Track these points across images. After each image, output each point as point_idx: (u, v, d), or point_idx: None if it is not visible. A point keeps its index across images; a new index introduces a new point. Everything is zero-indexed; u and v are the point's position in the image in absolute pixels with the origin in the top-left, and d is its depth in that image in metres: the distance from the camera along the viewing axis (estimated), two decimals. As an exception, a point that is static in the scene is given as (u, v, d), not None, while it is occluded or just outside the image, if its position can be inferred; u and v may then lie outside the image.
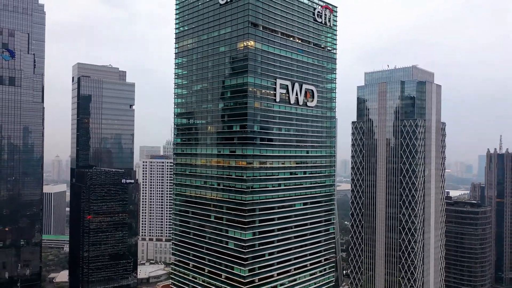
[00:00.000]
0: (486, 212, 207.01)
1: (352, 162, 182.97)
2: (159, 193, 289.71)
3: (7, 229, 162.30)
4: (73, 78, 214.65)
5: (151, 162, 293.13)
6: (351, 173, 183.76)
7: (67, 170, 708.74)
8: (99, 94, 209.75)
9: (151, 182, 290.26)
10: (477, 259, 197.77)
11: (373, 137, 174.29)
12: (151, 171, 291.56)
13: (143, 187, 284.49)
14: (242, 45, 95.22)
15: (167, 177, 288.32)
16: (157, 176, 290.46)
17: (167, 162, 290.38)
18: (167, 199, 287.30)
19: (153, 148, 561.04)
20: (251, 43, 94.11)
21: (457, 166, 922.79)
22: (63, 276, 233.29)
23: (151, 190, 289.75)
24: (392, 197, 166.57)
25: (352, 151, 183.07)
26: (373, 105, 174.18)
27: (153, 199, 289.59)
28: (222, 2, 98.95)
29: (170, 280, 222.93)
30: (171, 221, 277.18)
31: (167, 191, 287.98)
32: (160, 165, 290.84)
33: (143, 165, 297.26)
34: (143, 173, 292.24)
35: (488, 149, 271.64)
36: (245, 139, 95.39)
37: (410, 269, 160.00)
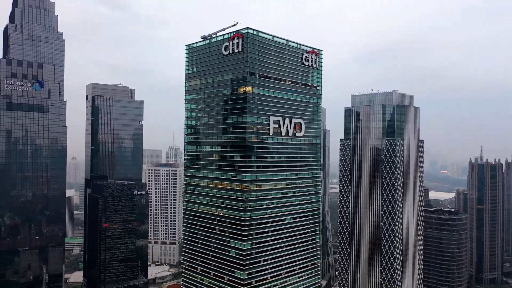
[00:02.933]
0: (462, 219, 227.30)
1: (339, 175, 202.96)
2: (164, 199, 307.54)
3: (37, 237, 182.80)
4: (87, 96, 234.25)
5: (156, 170, 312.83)
6: (339, 185, 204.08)
7: (69, 171, 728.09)
8: (111, 111, 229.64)
9: (156, 188, 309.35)
10: (454, 261, 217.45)
11: (358, 154, 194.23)
12: (156, 178, 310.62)
13: (149, 193, 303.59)
14: (242, 90, 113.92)
15: (171, 183, 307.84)
16: (162, 183, 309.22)
17: (172, 170, 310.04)
18: (171, 205, 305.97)
19: (155, 152, 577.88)
20: (249, 88, 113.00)
21: (453, 167, 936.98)
22: (76, 277, 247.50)
23: (156, 196, 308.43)
24: (374, 207, 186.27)
25: (339, 165, 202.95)
26: (359, 125, 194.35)
27: (159, 204, 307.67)
28: (225, 53, 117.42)
29: (175, 281, 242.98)
30: (176, 225, 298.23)
31: (171, 196, 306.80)
32: (165, 173, 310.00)
33: (149, 172, 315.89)
34: (148, 180, 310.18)
35: (470, 158, 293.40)
36: (244, 167, 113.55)
37: (390, 271, 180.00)
